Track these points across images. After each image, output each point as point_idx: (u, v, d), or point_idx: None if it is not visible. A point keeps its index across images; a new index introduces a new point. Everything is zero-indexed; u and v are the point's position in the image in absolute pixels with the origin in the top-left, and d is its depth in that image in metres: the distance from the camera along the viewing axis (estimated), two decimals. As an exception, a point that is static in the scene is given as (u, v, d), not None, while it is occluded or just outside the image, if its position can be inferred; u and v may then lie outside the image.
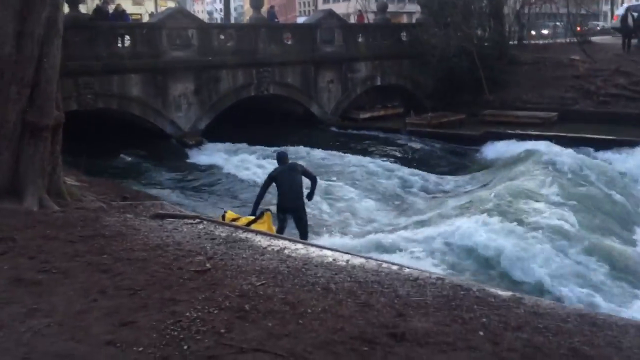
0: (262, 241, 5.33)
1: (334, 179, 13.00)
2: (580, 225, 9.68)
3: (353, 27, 21.71)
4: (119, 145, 15.29)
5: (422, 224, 9.82)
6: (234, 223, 6.01)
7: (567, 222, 9.52)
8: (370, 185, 12.86)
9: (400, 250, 8.49)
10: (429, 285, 4.18)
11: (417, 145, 17.47)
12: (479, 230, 9.01)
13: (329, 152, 15.72)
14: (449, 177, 14.24)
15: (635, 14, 22.86)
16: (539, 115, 18.73)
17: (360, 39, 21.32)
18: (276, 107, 20.23)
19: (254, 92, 18.47)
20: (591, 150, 15.55)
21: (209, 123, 17.58)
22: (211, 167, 13.87)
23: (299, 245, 5.27)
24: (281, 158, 8.65)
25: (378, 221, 10.44)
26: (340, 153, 15.64)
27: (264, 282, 4.04)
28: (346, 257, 4.94)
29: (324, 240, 8.45)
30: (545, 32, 29.10)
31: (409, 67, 22.39)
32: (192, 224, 5.92)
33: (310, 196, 8.54)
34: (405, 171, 14.07)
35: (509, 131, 17.19)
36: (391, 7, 38.15)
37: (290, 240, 5.47)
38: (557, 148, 15.14)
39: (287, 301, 3.67)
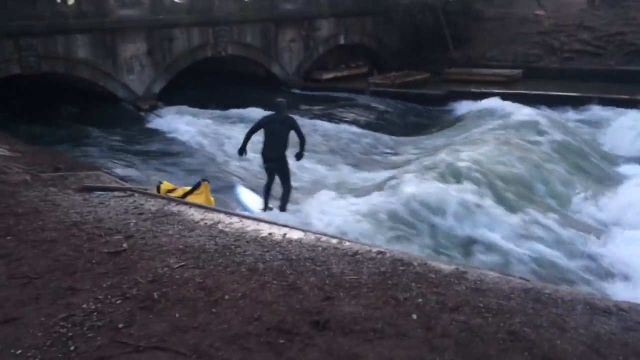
0: (195, 215, 4.91)
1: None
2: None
3: (314, -17, 20.86)
4: (69, 112, 14.54)
5: (371, 188, 9.50)
6: (168, 195, 5.57)
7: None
8: (327, 150, 12.46)
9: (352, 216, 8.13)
10: (367, 261, 3.84)
11: (379, 106, 17.08)
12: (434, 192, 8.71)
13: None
14: (409, 139, 13.92)
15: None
16: (504, 73, 18.49)
17: (322, -5, 20.56)
18: (236, 69, 19.53)
19: (211, 53, 17.69)
20: (556, 108, 15.40)
21: (164, 86, 16.81)
22: (165, 133, 13.21)
23: (234, 219, 4.87)
24: (277, 107, 8.59)
25: (328, 187, 10.05)
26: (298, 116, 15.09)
27: (183, 263, 3.65)
28: (284, 230, 4.57)
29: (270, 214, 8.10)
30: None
31: (373, 25, 21.79)
32: (122, 197, 5.46)
33: (298, 156, 8.57)
34: (362, 133, 13.69)
35: (473, 90, 16.91)
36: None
37: (226, 213, 5.07)
38: (517, 106, 14.90)
39: (204, 286, 3.29)
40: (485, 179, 9.22)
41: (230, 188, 9.83)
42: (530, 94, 16.10)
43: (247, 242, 4.22)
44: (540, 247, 7.57)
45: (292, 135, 8.46)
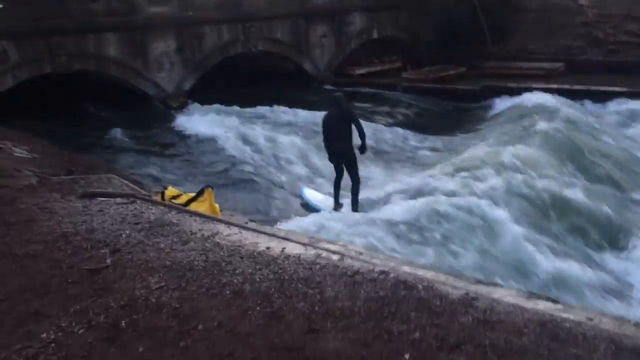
0: (193, 225, 4.65)
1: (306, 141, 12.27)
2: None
3: (346, -24, 20.41)
4: (98, 110, 14.62)
5: (401, 192, 9.08)
6: (172, 202, 5.33)
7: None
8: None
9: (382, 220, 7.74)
10: (367, 283, 3.49)
11: (411, 102, 16.57)
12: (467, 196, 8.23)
13: (315, 112, 14.83)
14: (439, 137, 13.38)
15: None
16: (544, 66, 17.66)
17: (354, -11, 20.10)
18: (266, 65, 19.28)
19: (241, 49, 17.53)
20: (598, 103, 14.59)
21: (194, 83, 16.76)
22: (191, 132, 13.05)
23: (234, 230, 4.58)
24: (335, 100, 8.70)
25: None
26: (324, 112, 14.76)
27: (163, 284, 3.38)
28: (283, 244, 4.25)
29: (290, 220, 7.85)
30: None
31: (407, 18, 21.17)
32: (123, 204, 5.25)
33: (362, 149, 8.61)
34: (394, 131, 13.25)
35: (510, 84, 16.16)
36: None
37: (226, 223, 4.78)
38: (560, 101, 14.18)
39: (179, 312, 3.01)
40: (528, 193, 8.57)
41: (250, 191, 9.65)
42: (572, 89, 15.26)
43: (241, 257, 3.92)
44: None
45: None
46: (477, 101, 16.19)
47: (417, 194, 8.66)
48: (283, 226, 7.99)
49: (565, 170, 9.73)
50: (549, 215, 8.12)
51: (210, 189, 5.26)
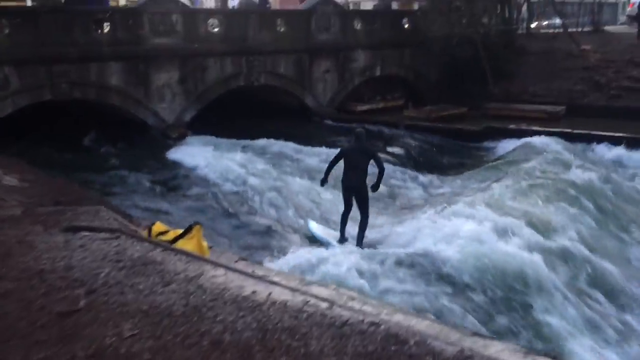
0: (178, 265, 4.43)
1: (304, 178, 12.12)
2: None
3: (351, 14, 20.63)
4: (96, 138, 14.53)
5: (400, 234, 8.88)
6: (159, 239, 5.13)
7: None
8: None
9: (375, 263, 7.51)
10: (355, 336, 3.26)
11: (413, 140, 16.47)
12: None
13: (315, 148, 14.75)
14: (441, 177, 13.24)
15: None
16: (546, 109, 17.64)
17: (358, 27, 20.26)
18: (268, 98, 19.31)
19: (244, 82, 17.56)
20: (600, 146, 14.49)
21: (195, 115, 16.71)
22: (188, 165, 12.86)
23: (219, 271, 4.36)
24: (357, 136, 8.88)
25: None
26: (326, 149, 14.65)
27: (137, 331, 3.15)
28: (270, 289, 4.03)
29: (283, 258, 7.63)
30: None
31: (410, 57, 21.30)
32: (107, 239, 5.04)
33: (375, 187, 8.73)
34: (393, 170, 13.08)
35: (512, 126, 16.13)
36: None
37: (213, 263, 4.56)
38: (561, 145, 14.10)
39: (148, 366, 2.78)
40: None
41: (245, 226, 9.47)
42: (573, 132, 15.19)
43: (224, 302, 3.70)
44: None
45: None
46: (479, 142, 16.12)
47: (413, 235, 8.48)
48: (276, 264, 7.81)
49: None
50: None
51: (198, 226, 5.06)
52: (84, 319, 3.28)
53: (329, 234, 9.21)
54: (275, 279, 5.07)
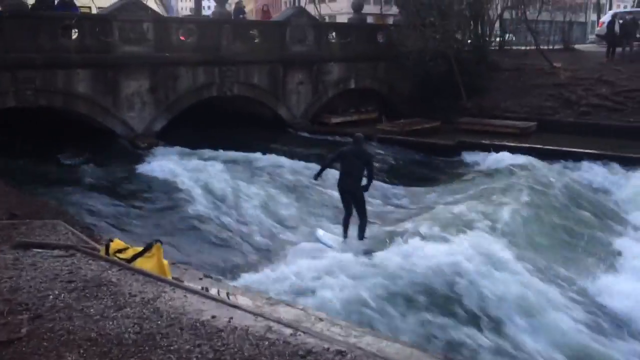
0: (134, 286, 4.20)
1: (276, 190, 11.93)
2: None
3: (325, 27, 20.57)
4: (61, 146, 14.06)
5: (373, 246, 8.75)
6: (116, 256, 4.87)
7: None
8: (326, 199, 11.75)
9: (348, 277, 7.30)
10: (319, 367, 3.08)
11: (386, 153, 16.39)
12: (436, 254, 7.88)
13: (288, 160, 14.57)
14: (413, 189, 13.16)
15: (622, 21, 22.10)
16: (517, 125, 17.77)
17: (333, 39, 20.22)
18: (241, 109, 19.08)
19: (216, 93, 17.27)
20: (567, 164, 14.64)
21: (166, 124, 16.35)
22: (157, 176, 12.45)
23: (178, 293, 4.15)
24: (355, 140, 9.32)
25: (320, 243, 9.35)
26: (299, 161, 14.48)
27: (81, 363, 2.91)
28: (231, 313, 3.83)
29: (251, 274, 7.42)
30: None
31: (384, 70, 21.34)
32: (61, 257, 4.79)
33: (365, 188, 9.23)
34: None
35: (484, 141, 16.15)
36: (376, 10, 37.24)
37: (171, 284, 4.34)
38: (531, 161, 14.19)
39: (91, 403, 2.54)
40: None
41: (212, 241, 9.22)
42: (544, 148, 15.32)
43: (180, 329, 3.48)
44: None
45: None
46: (452, 156, 16.12)
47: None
48: (242, 279, 7.56)
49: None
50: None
51: (159, 244, 4.82)
52: (24, 349, 3.03)
53: (334, 239, 9.62)
54: (240, 298, 4.87)
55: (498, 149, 15.44)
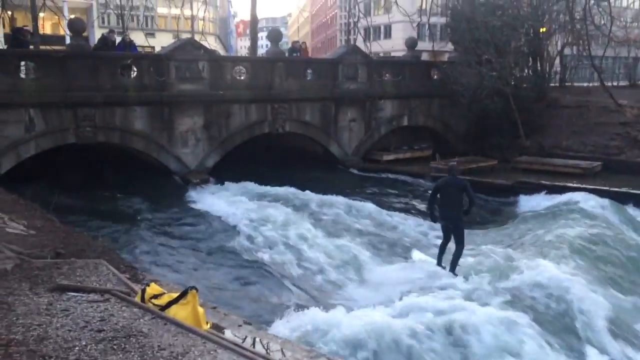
0: (164, 338, 3.96)
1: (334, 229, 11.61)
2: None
3: (378, 64, 20.45)
4: (116, 182, 14.34)
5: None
6: (151, 303, 4.68)
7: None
8: (377, 240, 11.35)
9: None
10: None
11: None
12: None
13: (339, 198, 14.27)
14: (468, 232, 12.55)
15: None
16: (580, 164, 16.89)
17: (386, 76, 20.07)
18: (293, 145, 19.10)
19: (268, 129, 17.36)
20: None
21: (218, 160, 16.50)
22: (208, 213, 12.48)
23: (209, 346, 3.88)
24: (450, 169, 9.99)
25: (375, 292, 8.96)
26: (349, 200, 14.14)
27: None
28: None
29: (299, 317, 7.09)
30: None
31: (439, 108, 20.96)
32: (95, 301, 4.63)
33: (466, 212, 9.62)
34: (415, 222, 12.58)
35: (544, 182, 15.41)
36: (430, 46, 36.76)
37: (203, 337, 4.07)
38: (600, 204, 13.34)
39: None
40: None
41: (260, 282, 8.98)
42: (612, 190, 14.36)
43: (206, 392, 3.20)
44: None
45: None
46: (509, 196, 15.45)
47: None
48: (287, 326, 7.23)
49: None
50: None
51: (194, 291, 4.59)
52: (37, 411, 2.82)
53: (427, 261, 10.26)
54: (277, 352, 4.55)
55: (560, 190, 14.66)
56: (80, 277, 5.48)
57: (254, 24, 25.48)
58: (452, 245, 9.87)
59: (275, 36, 18.11)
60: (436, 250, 10.31)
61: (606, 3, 13.28)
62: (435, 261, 10.05)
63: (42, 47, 17.98)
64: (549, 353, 6.87)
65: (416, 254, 10.85)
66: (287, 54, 19.65)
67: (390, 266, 10.30)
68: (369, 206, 13.94)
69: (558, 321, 7.90)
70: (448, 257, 9.89)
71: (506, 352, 6.62)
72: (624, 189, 14.41)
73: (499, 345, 6.71)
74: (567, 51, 25.27)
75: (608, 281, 9.59)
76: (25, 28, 15.98)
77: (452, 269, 9.47)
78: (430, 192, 15.62)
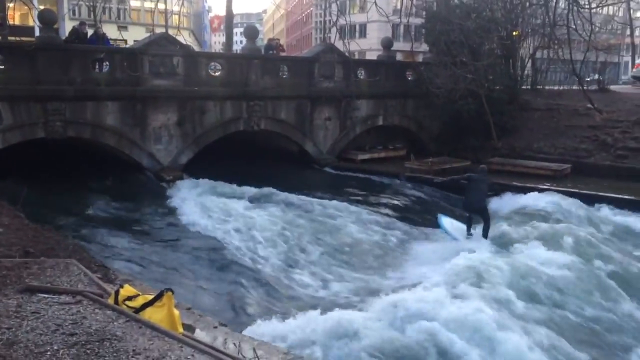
0: (139, 341, 3.88)
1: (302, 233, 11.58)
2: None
3: (354, 63, 20.46)
4: (86, 178, 14.04)
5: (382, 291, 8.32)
6: (125, 305, 4.57)
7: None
8: (350, 242, 11.35)
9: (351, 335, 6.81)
10: None
11: (413, 192, 16.00)
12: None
13: (314, 199, 14.23)
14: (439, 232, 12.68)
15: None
16: (551, 166, 17.22)
17: (362, 76, 20.11)
18: (268, 143, 19.02)
19: (243, 127, 17.21)
20: (607, 208, 14.00)
21: (192, 157, 16.29)
22: (180, 210, 12.33)
23: (186, 351, 3.81)
24: (481, 170, 12.34)
25: (339, 291, 8.94)
26: (327, 201, 14.10)
27: None
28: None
29: (267, 323, 7.03)
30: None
31: (413, 108, 21.11)
32: (67, 304, 4.51)
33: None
34: (389, 223, 12.66)
35: (516, 183, 15.66)
36: (406, 47, 37.12)
37: (179, 340, 4.00)
38: (569, 205, 13.63)
39: None
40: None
41: (234, 281, 8.87)
42: (581, 192, 14.69)
43: (184, 398, 3.14)
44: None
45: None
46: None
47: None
48: (262, 327, 7.16)
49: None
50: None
51: (170, 294, 4.50)
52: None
53: (457, 228, 12.37)
54: (253, 352, 4.51)
55: (531, 191, 14.90)
56: (50, 277, 5.34)
57: (229, 20, 25.29)
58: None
59: (251, 33, 17.97)
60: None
61: (587, 8, 13.57)
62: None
63: (10, 38, 17.42)
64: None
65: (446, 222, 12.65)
66: (262, 51, 19.54)
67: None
68: (341, 205, 13.96)
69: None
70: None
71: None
72: (592, 192, 14.75)
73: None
74: (538, 54, 25.72)
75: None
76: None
77: (485, 235, 11.67)
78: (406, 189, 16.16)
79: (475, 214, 12.11)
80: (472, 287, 8.22)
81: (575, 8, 12.22)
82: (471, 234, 12.00)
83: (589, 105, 19.55)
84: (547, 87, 25.16)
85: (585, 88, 21.14)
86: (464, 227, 12.26)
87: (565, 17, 15.50)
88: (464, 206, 12.42)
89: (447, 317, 6.99)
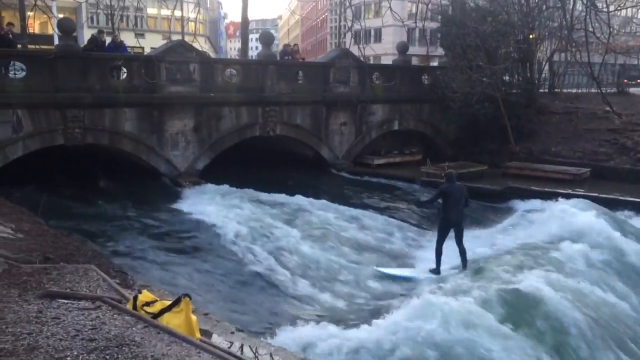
0: (157, 347, 3.89)
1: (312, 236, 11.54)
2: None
3: (370, 68, 20.44)
4: (105, 184, 14.20)
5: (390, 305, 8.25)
6: (143, 310, 4.60)
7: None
8: (363, 245, 11.32)
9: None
10: None
11: (430, 197, 15.84)
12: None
13: (330, 203, 14.20)
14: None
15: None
16: (569, 170, 17.00)
17: (377, 81, 20.09)
18: (284, 148, 19.06)
19: (259, 132, 17.29)
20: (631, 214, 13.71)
21: (208, 163, 16.40)
22: (198, 216, 12.27)
23: (204, 356, 3.82)
24: (450, 177, 10.76)
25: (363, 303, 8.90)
26: (338, 205, 14.07)
27: None
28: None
29: (285, 330, 7.02)
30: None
31: (429, 112, 21.02)
32: (86, 309, 4.55)
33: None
34: (403, 226, 12.58)
35: (534, 187, 15.48)
36: (421, 51, 37.07)
37: (197, 346, 4.01)
38: (589, 209, 13.37)
39: None
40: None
41: (252, 288, 8.90)
42: (601, 197, 14.38)
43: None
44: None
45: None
46: (499, 202, 15.48)
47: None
48: (279, 335, 7.14)
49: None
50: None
51: (187, 299, 4.51)
52: None
53: (403, 270, 10.67)
54: (273, 358, 4.51)
55: (549, 195, 14.68)
56: (70, 282, 5.40)
57: (245, 26, 25.39)
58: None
59: (267, 39, 18.05)
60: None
61: (604, 12, 13.44)
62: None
63: (30, 46, 17.73)
64: None
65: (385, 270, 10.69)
66: (278, 57, 19.62)
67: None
68: (358, 211, 13.92)
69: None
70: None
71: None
72: (611, 196, 14.50)
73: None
74: (555, 57, 25.47)
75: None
76: (6, 26, 15.58)
77: (464, 266, 10.17)
78: (422, 195, 16.03)
79: (454, 229, 10.40)
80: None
81: (592, 11, 12.03)
82: (439, 272, 10.23)
83: (608, 109, 19.29)
84: (565, 90, 24.92)
85: (603, 90, 20.82)
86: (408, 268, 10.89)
87: (583, 20, 15.32)
88: (441, 226, 10.53)
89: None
